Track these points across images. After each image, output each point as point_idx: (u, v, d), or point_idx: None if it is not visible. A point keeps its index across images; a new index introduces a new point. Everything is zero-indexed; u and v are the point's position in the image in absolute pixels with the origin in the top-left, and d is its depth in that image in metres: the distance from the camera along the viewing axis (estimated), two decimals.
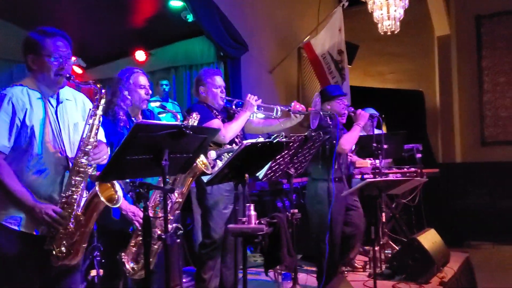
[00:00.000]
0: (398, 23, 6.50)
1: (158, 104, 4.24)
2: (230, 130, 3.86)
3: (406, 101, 8.51)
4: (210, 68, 4.03)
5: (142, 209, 2.92)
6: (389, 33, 6.63)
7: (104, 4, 6.26)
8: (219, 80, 4.06)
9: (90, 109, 2.47)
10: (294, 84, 8.65)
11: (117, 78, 3.29)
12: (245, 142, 2.73)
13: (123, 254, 3.03)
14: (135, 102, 3.22)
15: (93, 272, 4.08)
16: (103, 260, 3.91)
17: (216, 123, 3.83)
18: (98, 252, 4.03)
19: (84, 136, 2.41)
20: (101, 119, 2.45)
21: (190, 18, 6.12)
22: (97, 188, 2.33)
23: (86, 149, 2.38)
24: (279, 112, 4.12)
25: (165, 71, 7.04)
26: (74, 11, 6.57)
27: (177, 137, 2.21)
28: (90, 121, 2.42)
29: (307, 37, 7.76)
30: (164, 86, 6.64)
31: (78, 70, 7.08)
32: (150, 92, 3.35)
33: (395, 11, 6.39)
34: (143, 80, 3.29)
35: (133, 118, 3.21)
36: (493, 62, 8.91)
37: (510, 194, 8.31)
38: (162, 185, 2.24)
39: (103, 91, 2.46)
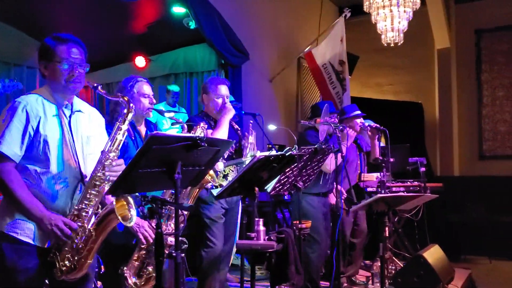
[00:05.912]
0: (402, 35, 6.45)
1: (172, 114, 4.08)
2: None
3: (405, 112, 8.42)
4: (216, 76, 3.83)
5: (147, 221, 2.84)
6: (392, 44, 6.58)
7: (105, 8, 6.17)
8: (223, 90, 3.87)
9: (116, 123, 2.38)
10: (294, 94, 8.59)
11: (121, 86, 3.21)
12: (257, 154, 2.64)
13: (125, 268, 2.92)
14: (139, 111, 3.12)
15: None
16: (101, 272, 3.78)
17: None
18: (96, 263, 3.89)
19: (106, 149, 2.32)
20: (125, 134, 2.37)
21: (192, 25, 6.06)
22: (114, 204, 2.22)
23: (106, 163, 2.30)
24: None
25: (165, 77, 6.94)
26: (74, 15, 6.48)
27: (191, 149, 2.11)
28: (114, 135, 2.34)
29: (308, 47, 7.70)
30: (173, 94, 6.51)
31: None
32: (154, 101, 3.27)
33: (399, 22, 6.34)
34: (147, 89, 3.22)
35: (138, 128, 3.11)
36: (492, 76, 8.89)
37: (507, 209, 8.27)
38: (173, 199, 2.14)
39: (131, 105, 2.40)
